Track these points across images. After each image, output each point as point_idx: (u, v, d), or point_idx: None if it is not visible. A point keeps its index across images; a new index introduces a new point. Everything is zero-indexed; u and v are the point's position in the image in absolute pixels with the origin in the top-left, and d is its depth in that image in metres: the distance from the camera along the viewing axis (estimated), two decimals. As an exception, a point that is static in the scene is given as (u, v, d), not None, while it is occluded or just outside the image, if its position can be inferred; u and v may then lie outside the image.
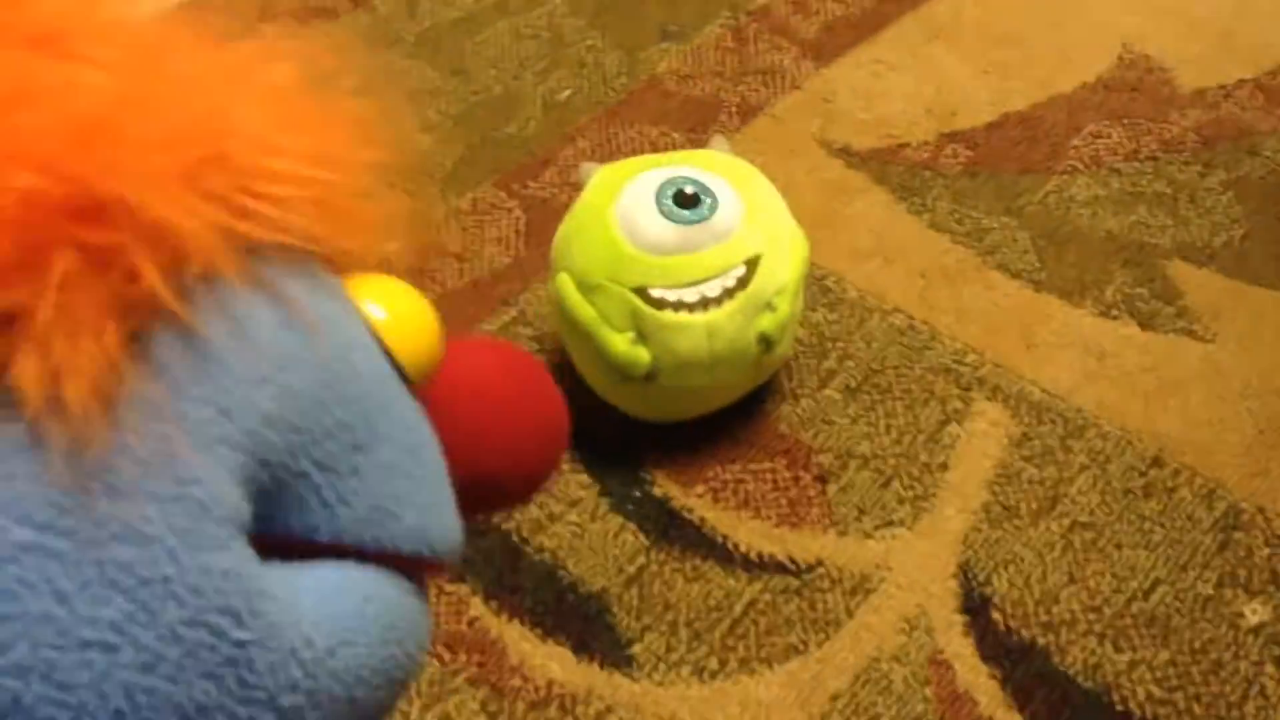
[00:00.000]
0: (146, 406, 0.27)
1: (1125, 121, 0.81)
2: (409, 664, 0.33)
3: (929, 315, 0.70)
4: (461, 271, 0.74)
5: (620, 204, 0.60)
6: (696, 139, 0.82)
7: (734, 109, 0.84)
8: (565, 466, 0.64)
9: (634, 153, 0.81)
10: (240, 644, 0.27)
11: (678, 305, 0.58)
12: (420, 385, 0.33)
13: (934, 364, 0.68)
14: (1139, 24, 0.88)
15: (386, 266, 0.33)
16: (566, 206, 0.78)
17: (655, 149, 0.81)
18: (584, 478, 0.64)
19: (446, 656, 0.57)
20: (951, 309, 0.71)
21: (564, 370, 0.67)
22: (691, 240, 0.59)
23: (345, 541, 0.31)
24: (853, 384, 0.67)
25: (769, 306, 0.60)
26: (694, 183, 0.59)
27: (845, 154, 0.80)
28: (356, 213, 0.31)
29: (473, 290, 0.73)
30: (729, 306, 0.59)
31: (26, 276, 0.26)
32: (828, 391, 0.67)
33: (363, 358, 0.31)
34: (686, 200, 0.59)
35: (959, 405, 0.66)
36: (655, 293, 0.58)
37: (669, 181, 0.59)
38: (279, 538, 0.30)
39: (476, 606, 0.59)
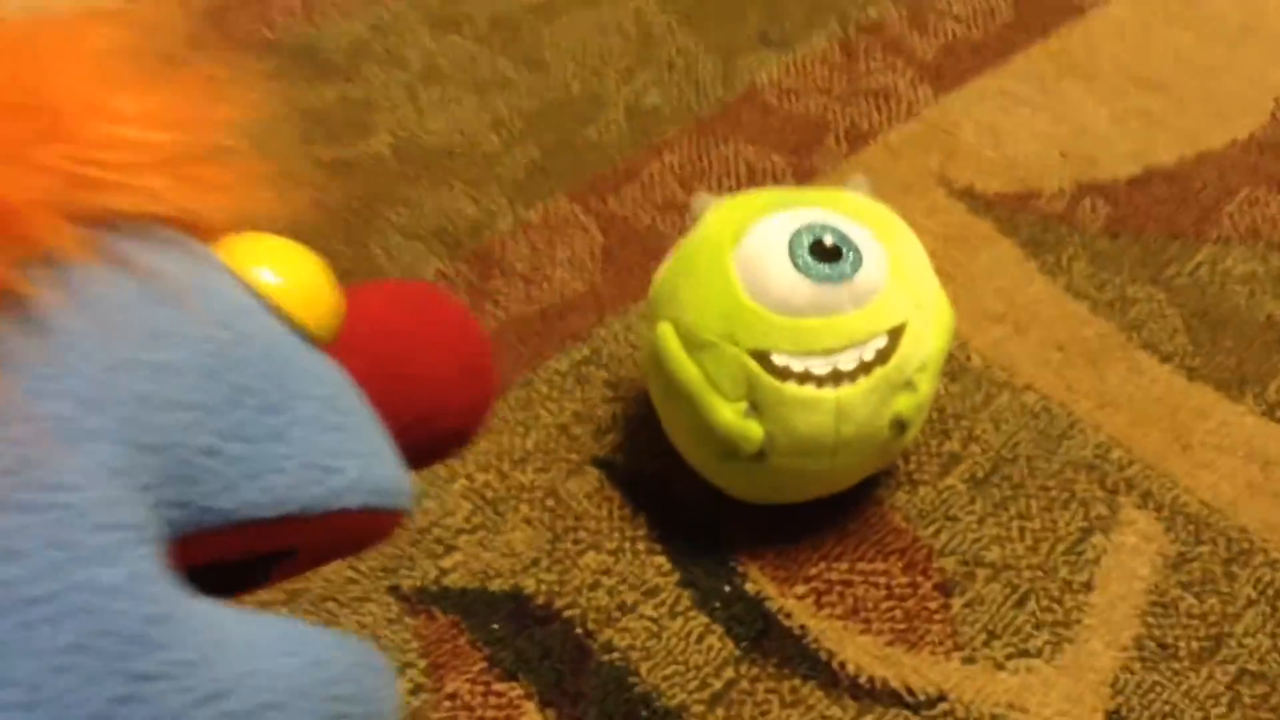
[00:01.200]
0: (7, 414, 0.24)
1: (1286, 189, 0.72)
2: None
3: (1067, 397, 0.61)
4: (528, 296, 0.64)
5: (744, 249, 0.50)
6: (799, 163, 0.72)
7: (842, 133, 0.74)
8: (641, 547, 0.54)
9: (728, 173, 0.71)
10: (141, 677, 0.24)
11: (804, 377, 0.49)
12: (326, 342, 0.31)
13: (1074, 458, 0.58)
14: (1295, 78, 0.79)
15: (263, 227, 0.32)
16: (649, 229, 0.68)
17: (753, 172, 0.72)
18: (663, 561, 0.54)
19: (493, 775, 0.48)
20: (1093, 392, 0.61)
21: (648, 427, 0.57)
22: (828, 301, 0.49)
23: (289, 511, 0.28)
24: (980, 474, 0.58)
25: (908, 385, 0.50)
26: (836, 233, 0.49)
27: (969, 196, 0.70)
28: (214, 173, 0.29)
29: (539, 320, 0.63)
30: (864, 384, 0.49)
31: None
32: (950, 481, 0.57)
33: (252, 322, 0.29)
34: (826, 253, 0.49)
35: (1104, 511, 0.56)
36: (779, 360, 0.49)
37: (806, 228, 0.49)
38: (219, 530, 0.27)
39: (530, 714, 0.49)
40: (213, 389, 0.27)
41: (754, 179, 0.71)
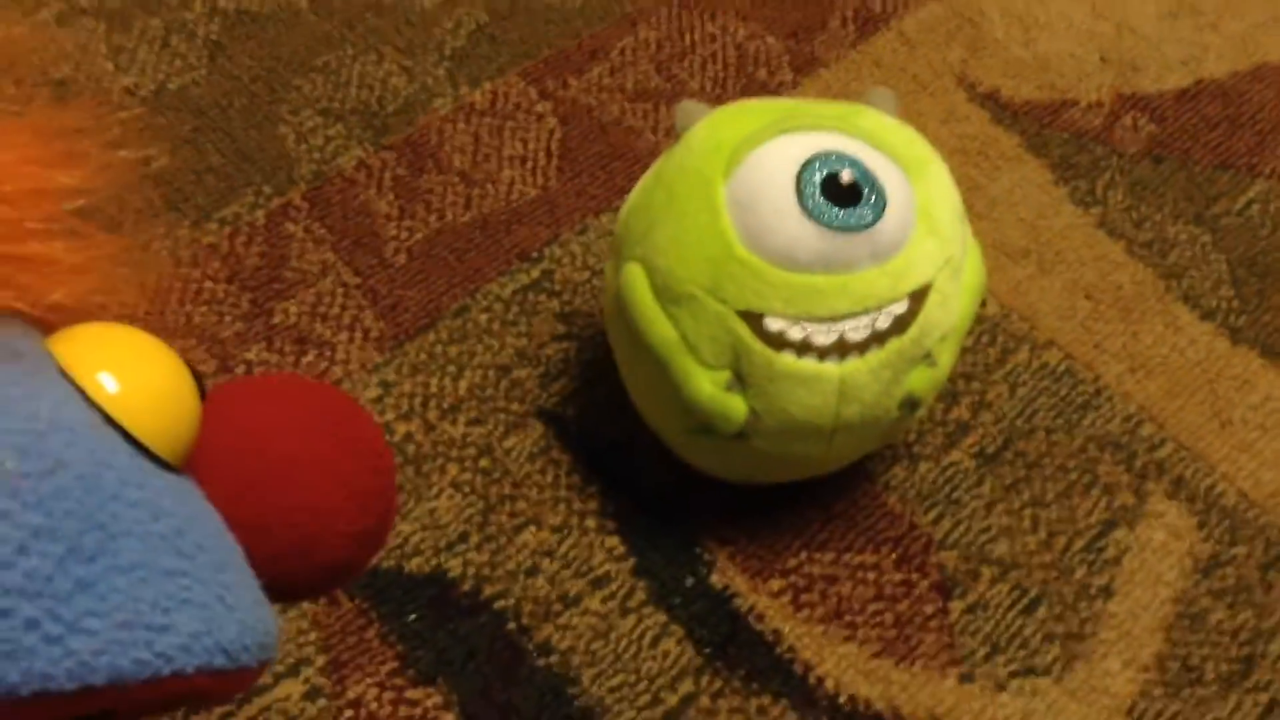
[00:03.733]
0: None
1: (1353, 114, 0.62)
2: None
3: (1094, 358, 0.52)
4: (468, 199, 0.54)
5: (738, 182, 0.40)
6: (798, 49, 0.61)
7: (850, 14, 0.63)
8: (591, 524, 0.46)
9: (714, 57, 0.61)
10: None
11: (802, 347, 0.39)
12: (176, 460, 0.27)
13: (1099, 432, 0.50)
14: (1367, -22, 0.69)
15: (108, 315, 0.27)
16: (617, 122, 0.58)
17: (743, 56, 0.61)
18: (616, 543, 0.45)
19: (399, 806, 0.40)
20: (1124, 353, 0.53)
21: (607, 376, 0.48)
22: (841, 254, 0.39)
23: (94, 682, 0.23)
24: (990, 448, 0.49)
25: (927, 358, 0.41)
26: (856, 167, 0.39)
27: (994, 103, 0.60)
28: (55, 251, 0.25)
29: (480, 230, 0.53)
30: (874, 358, 0.40)
31: None
32: (955, 456, 0.49)
33: (66, 441, 0.25)
34: (842, 193, 0.39)
35: (1130, 500, 0.48)
36: (774, 324, 0.39)
37: (819, 159, 0.39)
38: (10, 706, 0.23)
39: (449, 728, 0.41)
40: (16, 535, 0.22)
41: (743, 65, 0.60)
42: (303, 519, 0.28)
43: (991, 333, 0.52)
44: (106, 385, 0.26)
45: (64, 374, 0.25)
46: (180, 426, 0.27)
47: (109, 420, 0.25)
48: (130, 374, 0.26)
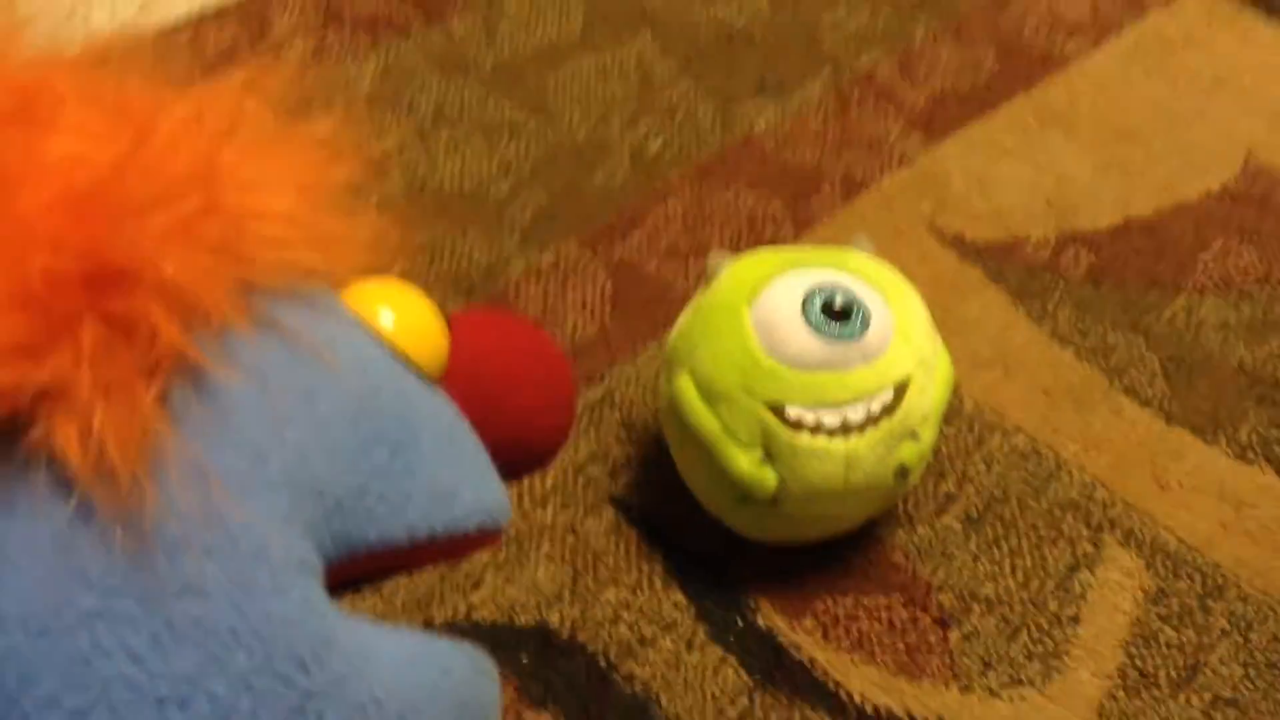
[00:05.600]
0: (185, 464, 0.27)
1: (1255, 240, 0.76)
2: None
3: (1053, 440, 0.65)
4: (543, 340, 0.67)
5: (759, 308, 0.53)
6: (798, 210, 0.76)
7: (837, 180, 0.78)
8: (658, 583, 0.58)
9: (729, 220, 0.75)
10: (309, 694, 0.27)
11: (815, 428, 0.52)
12: (435, 378, 0.34)
13: (1062, 498, 0.62)
14: (1262, 132, 0.83)
15: (374, 273, 0.34)
16: (655, 275, 0.71)
17: (753, 219, 0.75)
18: (679, 597, 0.57)
19: (524, 801, 0.51)
20: (1078, 435, 0.65)
21: (661, 468, 0.61)
22: (838, 358, 0.52)
23: (419, 536, 0.31)
24: (974, 513, 0.61)
25: (912, 435, 0.54)
26: (846, 294, 0.53)
27: (959, 245, 0.74)
28: (339, 235, 0.32)
29: (555, 362, 0.66)
30: (871, 435, 0.53)
31: (59, 351, 0.26)
32: (946, 520, 0.61)
33: (378, 368, 0.32)
34: (837, 313, 0.53)
35: (1089, 549, 0.60)
36: (792, 412, 0.52)
37: (818, 289, 0.53)
38: (365, 556, 0.30)
39: (559, 742, 0.52)
40: (355, 436, 0.30)
41: (754, 225, 0.75)
42: (519, 419, 0.37)
43: (969, 424, 0.65)
44: (386, 321, 0.33)
45: (354, 318, 0.32)
46: (438, 352, 0.34)
47: (391, 350, 0.32)
48: (401, 313, 0.33)
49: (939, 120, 0.82)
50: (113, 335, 0.27)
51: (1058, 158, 0.80)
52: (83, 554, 0.26)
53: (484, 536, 0.34)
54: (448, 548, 0.33)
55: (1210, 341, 0.70)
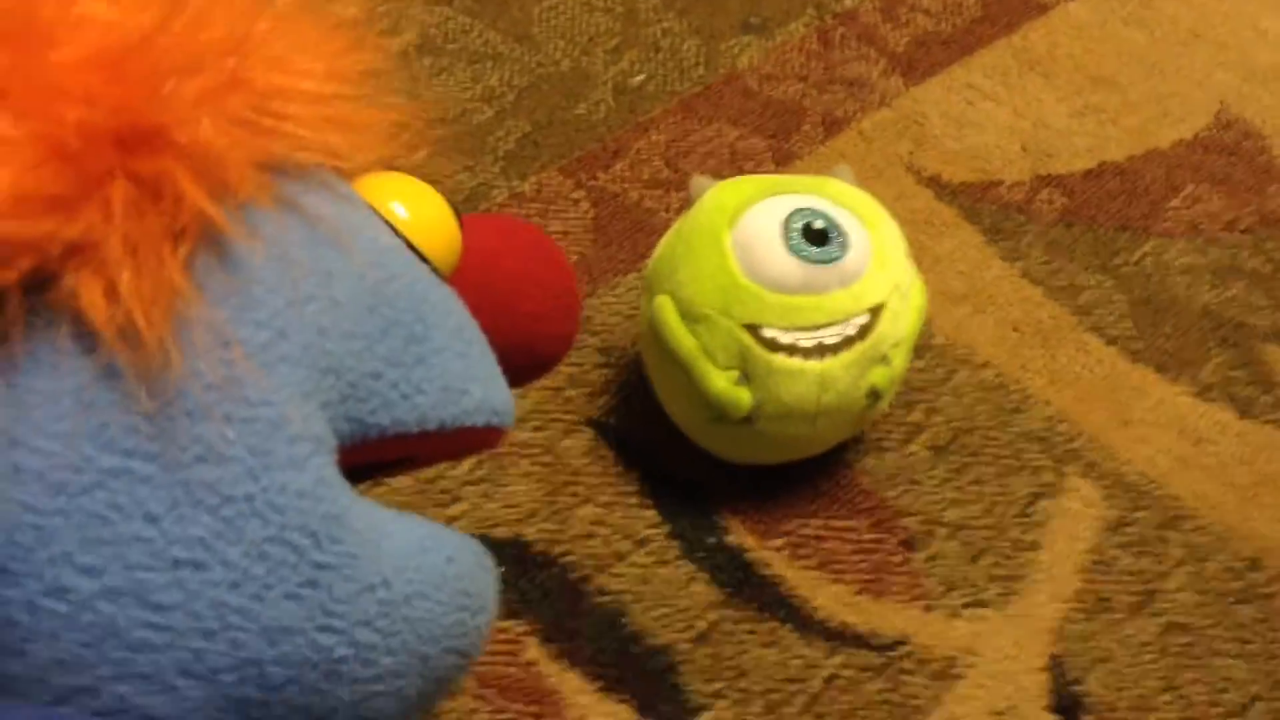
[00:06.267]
0: (208, 332, 0.27)
1: (1224, 188, 0.77)
2: (476, 638, 0.34)
3: (1020, 375, 0.66)
4: (524, 265, 0.68)
5: (739, 231, 0.54)
6: (779, 146, 0.77)
7: (819, 119, 0.79)
8: (633, 501, 0.59)
9: (712, 154, 0.76)
10: (320, 566, 0.28)
11: (791, 349, 0.53)
12: (447, 275, 0.34)
13: (1025, 429, 0.64)
14: (1236, 84, 0.85)
15: (390, 166, 0.34)
16: (637, 205, 0.72)
17: (735, 153, 0.76)
18: (653, 514, 0.59)
19: (499, 702, 0.52)
20: (1044, 370, 0.67)
21: (638, 392, 0.62)
22: (816, 281, 0.53)
23: (429, 427, 0.32)
24: (940, 442, 0.63)
25: (884, 359, 0.55)
26: (825, 218, 0.54)
27: (935, 184, 0.75)
28: (361, 121, 0.32)
29: (535, 287, 0.67)
30: (845, 356, 0.54)
31: (90, 207, 0.26)
32: (913, 448, 0.62)
33: (393, 259, 0.32)
34: (816, 237, 0.54)
35: (1051, 479, 0.62)
36: (769, 333, 0.53)
37: (798, 213, 0.54)
38: (375, 441, 0.31)
39: (533, 648, 0.54)
40: (371, 321, 0.31)
41: (735, 160, 0.76)
42: (525, 323, 0.38)
43: (939, 357, 0.66)
44: (400, 213, 0.33)
45: (370, 209, 0.32)
46: (451, 248, 0.34)
47: (405, 243, 0.33)
48: (416, 207, 0.33)
49: (919, 63, 0.83)
50: (141, 196, 0.27)
51: (1035, 102, 0.81)
52: (104, 412, 0.26)
53: (489, 434, 0.35)
54: (454, 442, 0.34)
55: (1176, 285, 0.72)
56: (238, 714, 0.27)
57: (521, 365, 0.38)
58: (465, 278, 0.35)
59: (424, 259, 0.34)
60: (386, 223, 0.33)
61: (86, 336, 0.26)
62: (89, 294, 0.26)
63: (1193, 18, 0.88)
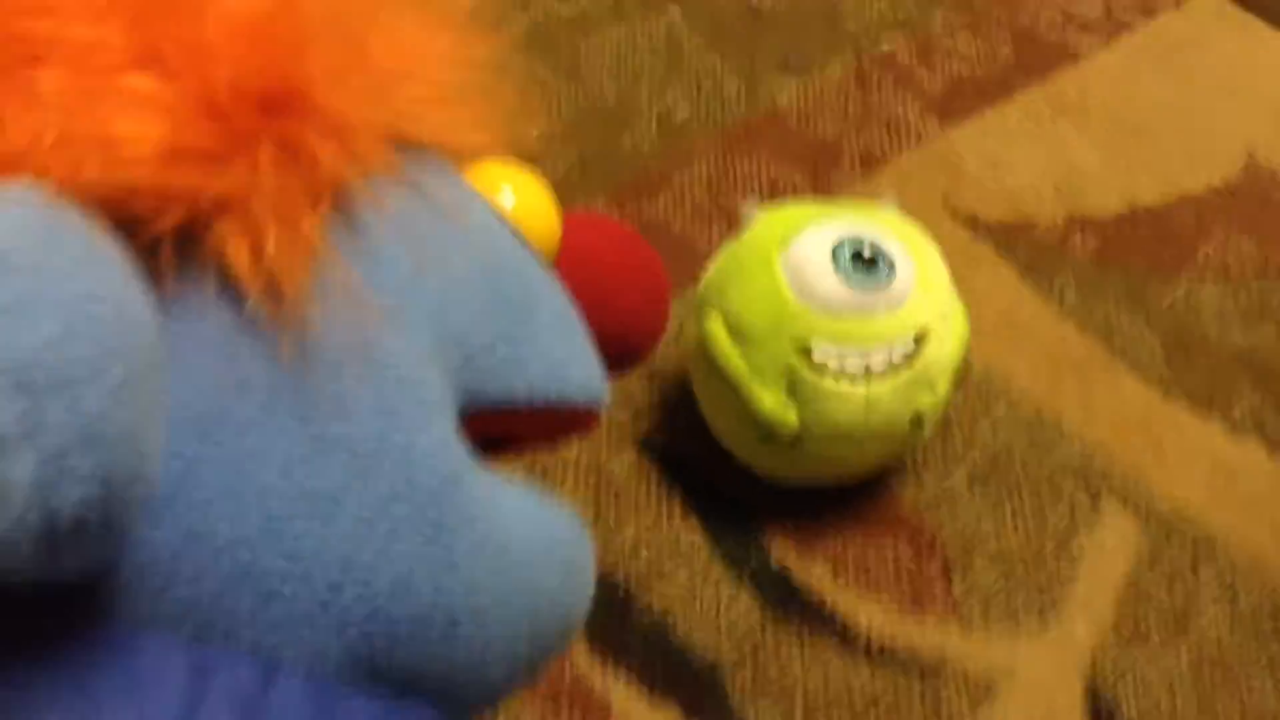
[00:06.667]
0: (343, 290, 0.28)
1: (1254, 233, 0.79)
2: (580, 609, 0.35)
3: (1057, 408, 0.67)
4: (571, 288, 0.70)
5: (791, 254, 0.56)
6: (818, 182, 0.78)
7: (857, 157, 0.80)
8: (678, 520, 0.60)
9: (752, 187, 0.77)
10: (440, 524, 0.29)
11: (839, 372, 0.55)
12: (548, 260, 0.35)
13: (1062, 462, 0.65)
14: (1265, 133, 0.86)
15: (494, 154, 0.35)
16: (680, 234, 0.74)
17: (775, 185, 0.78)
18: (697, 534, 0.60)
19: (550, 713, 0.53)
20: (1080, 404, 0.68)
21: (682, 412, 0.63)
22: (865, 304, 0.55)
23: (536, 402, 0.33)
24: (979, 472, 0.64)
25: (930, 386, 0.56)
26: (873, 245, 0.56)
27: (972, 223, 0.77)
28: (476, 108, 0.33)
29: (582, 310, 0.69)
30: (892, 381, 0.55)
31: (239, 163, 0.27)
32: (954, 477, 0.63)
33: (502, 240, 0.33)
34: (864, 261, 0.55)
35: (1087, 511, 0.63)
36: (818, 354, 0.55)
37: (848, 239, 0.56)
38: (488, 412, 0.32)
39: (582, 661, 0.55)
40: (485, 297, 0.32)
41: (776, 193, 0.77)
42: (619, 315, 0.39)
43: (977, 389, 0.68)
44: (508, 201, 0.34)
45: (478, 194, 0.33)
46: (553, 237, 0.35)
47: (511, 229, 0.34)
48: (522, 195, 0.34)
49: (955, 105, 0.85)
50: (284, 156, 0.28)
51: (1068, 146, 0.83)
52: (247, 362, 0.27)
53: (588, 415, 0.36)
54: (556, 421, 0.35)
55: (1208, 325, 0.73)
56: (364, 666, 0.28)
57: (612, 357, 0.38)
58: (565, 268, 0.36)
59: (529, 244, 0.35)
60: (494, 208, 0.34)
61: (231, 289, 0.27)
62: (235, 248, 0.27)
63: (1221, 68, 0.90)
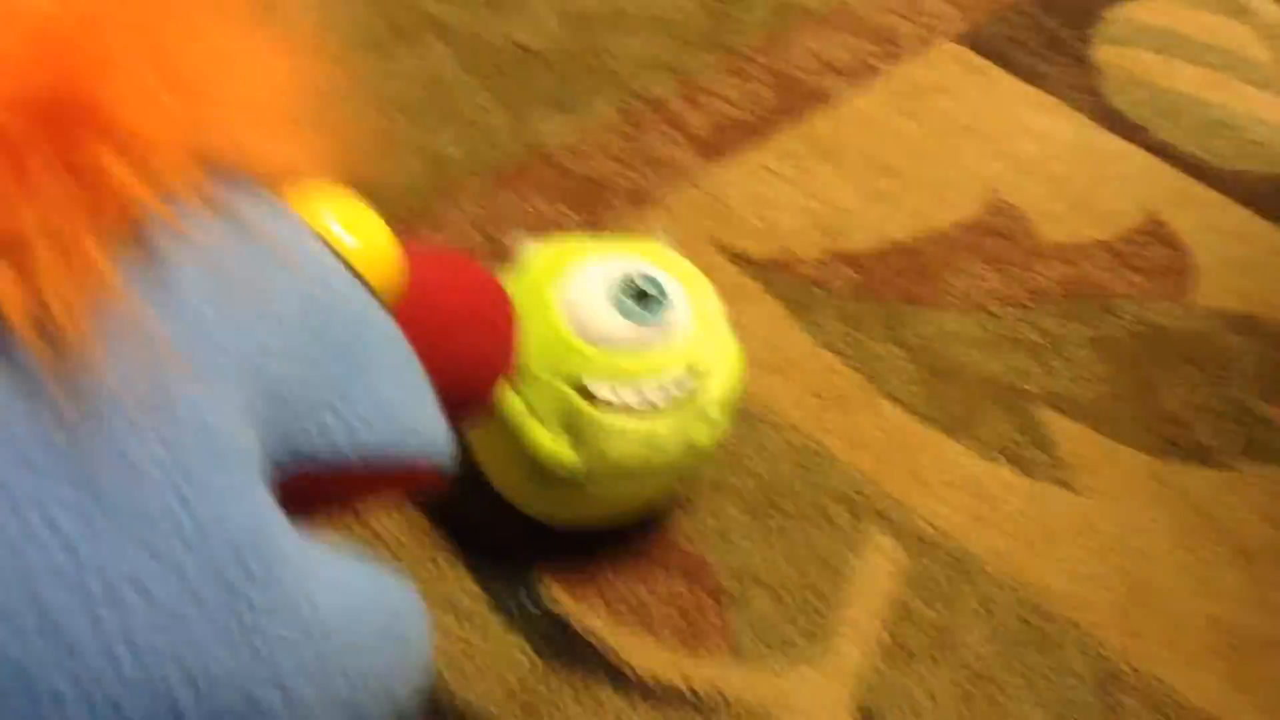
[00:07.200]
0: (141, 340, 0.25)
1: (998, 266, 0.84)
2: (411, 685, 0.32)
3: (823, 438, 0.69)
4: (337, 330, 0.68)
5: (566, 289, 0.56)
6: (590, 219, 0.79)
7: (625, 195, 0.81)
8: (447, 569, 0.59)
9: (524, 224, 0.77)
10: (253, 607, 0.25)
11: (618, 407, 0.55)
12: (388, 302, 0.32)
13: (830, 489, 0.67)
14: (1004, 173, 0.92)
15: (327, 185, 0.33)
16: (451, 273, 0.73)
17: (546, 223, 0.77)
18: (469, 582, 0.58)
19: (317, 775, 0.50)
20: (845, 434, 0.70)
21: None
22: (640, 338, 0.55)
23: (372, 458, 0.29)
24: (751, 501, 0.65)
25: (707, 419, 0.57)
26: (649, 279, 0.56)
27: (740, 259, 0.79)
28: (303, 135, 0.30)
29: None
30: (670, 416, 0.55)
31: (8, 187, 0.24)
32: (727, 507, 0.64)
33: (337, 281, 0.30)
34: (641, 296, 0.55)
35: (855, 535, 0.65)
36: (595, 389, 0.54)
37: (623, 272, 0.56)
38: (313, 472, 0.28)
39: None
40: (311, 342, 0.28)
41: (548, 230, 0.77)
42: (466, 360, 0.35)
43: (749, 422, 0.69)
44: (347, 240, 0.31)
45: (309, 228, 0.30)
46: (394, 278, 0.32)
47: (347, 268, 0.30)
48: (358, 229, 0.31)
49: (721, 145, 0.87)
50: (68, 181, 0.25)
51: (826, 185, 0.86)
52: (19, 427, 0.24)
53: (430, 473, 0.33)
54: (394, 480, 0.32)
55: (959, 353, 0.77)
56: None
57: (455, 403, 0.35)
58: (406, 311, 0.33)
59: (368, 286, 0.32)
60: (331, 246, 0.31)
61: (3, 348, 0.24)
62: (4, 285, 0.24)
63: (965, 113, 0.96)
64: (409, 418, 0.31)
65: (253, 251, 0.28)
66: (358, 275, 0.31)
